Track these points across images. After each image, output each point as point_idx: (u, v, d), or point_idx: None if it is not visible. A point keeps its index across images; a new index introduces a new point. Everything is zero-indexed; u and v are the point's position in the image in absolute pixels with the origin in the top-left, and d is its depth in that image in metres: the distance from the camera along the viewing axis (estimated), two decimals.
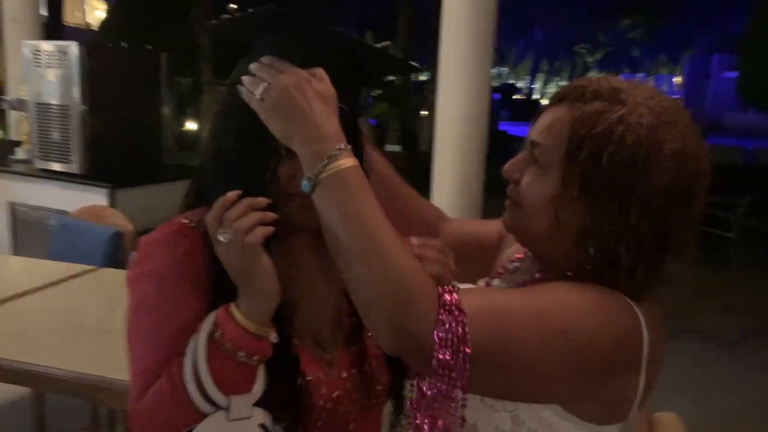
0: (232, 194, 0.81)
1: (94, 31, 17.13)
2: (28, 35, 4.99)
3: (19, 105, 4.33)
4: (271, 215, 0.81)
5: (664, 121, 0.84)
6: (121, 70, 4.10)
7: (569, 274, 0.90)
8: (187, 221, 0.93)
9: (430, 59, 12.04)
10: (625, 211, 0.83)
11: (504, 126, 16.38)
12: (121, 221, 3.03)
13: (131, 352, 0.89)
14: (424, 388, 0.96)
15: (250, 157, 0.86)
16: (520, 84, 45.55)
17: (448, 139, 3.45)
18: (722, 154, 12.74)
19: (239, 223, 0.79)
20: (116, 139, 4.04)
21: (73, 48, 3.81)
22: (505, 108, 26.79)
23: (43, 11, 5.72)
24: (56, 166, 4.03)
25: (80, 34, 17.27)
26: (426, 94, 13.24)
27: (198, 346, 0.82)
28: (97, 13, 17.48)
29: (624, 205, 0.82)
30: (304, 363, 0.92)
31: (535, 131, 0.93)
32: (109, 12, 15.82)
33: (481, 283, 1.11)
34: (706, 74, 29.59)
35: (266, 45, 0.88)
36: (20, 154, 4.47)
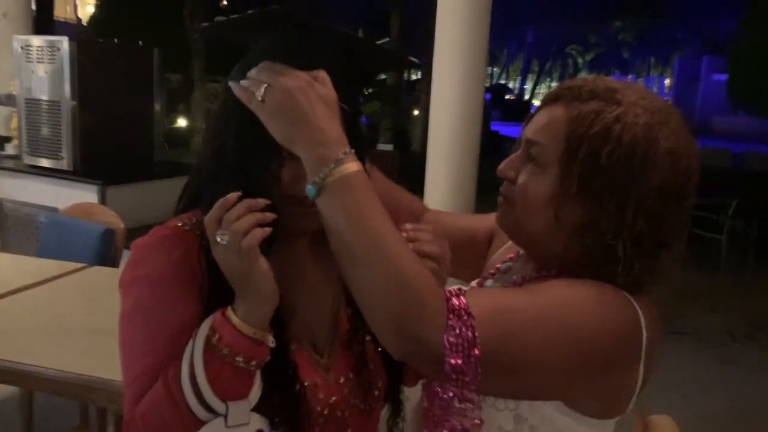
0: (232, 195, 0.79)
1: (85, 26, 17.01)
2: (19, 30, 4.94)
3: (9, 100, 4.30)
4: (269, 215, 0.79)
5: (658, 120, 0.85)
6: (112, 66, 4.07)
7: (565, 270, 0.91)
8: (181, 224, 0.91)
9: (422, 58, 12.05)
10: (623, 208, 0.84)
11: (495, 126, 16.42)
12: (111, 219, 3.00)
13: (125, 358, 0.87)
14: (440, 392, 0.96)
15: (252, 159, 0.85)
16: (511, 84, 45.70)
17: (442, 139, 3.45)
18: (711, 156, 12.86)
19: (237, 224, 0.77)
20: (107, 136, 4.01)
21: (64, 43, 3.78)
22: (497, 108, 26.87)
23: (33, 5, 5.66)
24: (46, 163, 4.00)
25: (70, 28, 17.15)
26: (419, 93, 13.25)
27: (195, 350, 0.80)
28: (88, 8, 17.35)
29: (621, 202, 0.84)
30: (301, 368, 0.91)
31: (530, 130, 0.93)
32: (99, 7, 15.72)
33: (474, 283, 1.10)
34: (696, 76, 29.80)
35: (266, 46, 0.87)
36: (9, 149, 4.44)
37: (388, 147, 11.24)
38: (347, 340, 0.98)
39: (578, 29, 35.92)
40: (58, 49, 3.80)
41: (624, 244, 0.85)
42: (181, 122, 15.47)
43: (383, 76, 14.07)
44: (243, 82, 0.82)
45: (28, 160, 4.08)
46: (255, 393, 0.84)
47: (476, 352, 0.75)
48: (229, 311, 0.81)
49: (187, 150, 13.39)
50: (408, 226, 0.90)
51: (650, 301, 0.89)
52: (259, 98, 0.80)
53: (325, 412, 0.92)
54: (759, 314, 5.34)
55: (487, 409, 0.91)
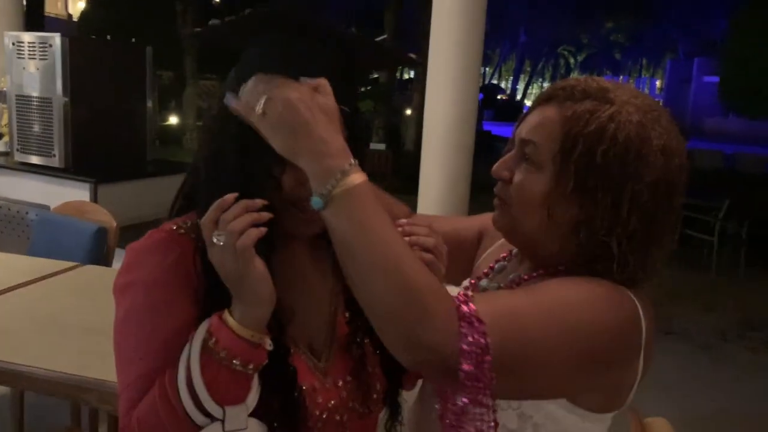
0: (229, 196, 0.78)
1: (75, 22, 16.90)
2: (10, 26, 4.90)
3: None
4: (265, 215, 0.78)
5: (649, 118, 0.87)
6: (104, 63, 4.05)
7: (561, 268, 0.92)
8: (176, 227, 0.90)
9: (416, 57, 12.03)
10: (617, 205, 0.85)
11: (488, 126, 16.45)
12: (104, 217, 2.97)
13: (120, 363, 0.86)
14: (452, 398, 0.95)
15: (253, 163, 0.83)
16: (503, 84, 45.81)
17: (436, 138, 3.44)
18: (703, 158, 12.93)
19: (233, 224, 0.76)
20: (99, 133, 3.99)
21: (56, 39, 3.75)
22: (489, 108, 26.93)
23: (23, 1, 5.61)
24: (37, 160, 3.97)
25: (61, 24, 17.05)
26: (411, 92, 13.25)
27: (191, 354, 0.79)
28: (78, 5, 17.24)
29: (616, 200, 0.85)
30: (299, 372, 0.90)
31: (524, 130, 0.94)
32: (90, 3, 15.62)
33: (466, 283, 1.11)
34: (687, 78, 29.96)
35: (263, 49, 0.85)
36: None
37: (381, 146, 11.24)
38: (345, 343, 0.97)
39: (570, 30, 36.05)
40: (50, 46, 3.77)
41: (619, 240, 0.86)
42: (173, 120, 15.41)
43: (376, 75, 14.07)
44: (240, 96, 0.81)
45: (19, 157, 4.05)
46: (253, 397, 0.83)
47: (488, 357, 0.75)
48: (226, 314, 0.80)
49: (179, 148, 13.35)
50: (403, 221, 0.90)
51: (644, 294, 0.90)
52: (259, 111, 0.78)
53: (324, 416, 0.91)
54: (751, 314, 5.37)
55: None
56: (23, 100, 3.94)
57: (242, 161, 0.84)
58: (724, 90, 14.72)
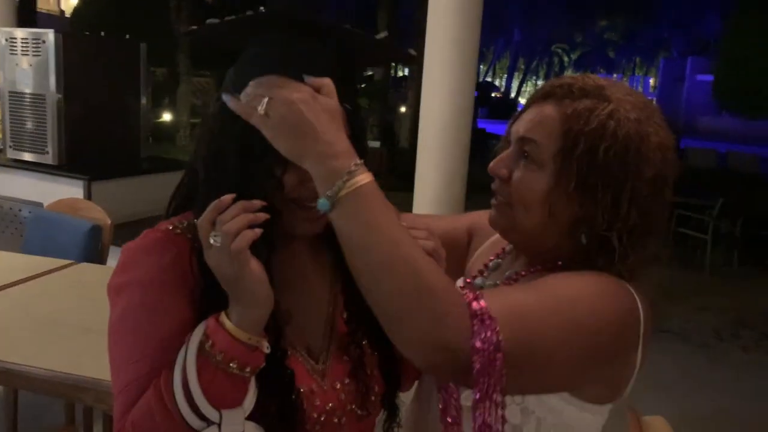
0: (227, 197, 0.77)
1: (68, 18, 16.81)
2: (2, 22, 4.87)
3: None
4: (262, 216, 0.76)
5: (645, 115, 0.89)
6: (98, 59, 4.03)
7: (558, 263, 0.93)
8: (172, 227, 0.89)
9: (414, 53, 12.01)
10: (617, 201, 0.86)
11: (482, 124, 16.45)
12: (98, 214, 2.96)
13: (114, 365, 0.84)
14: (459, 395, 0.96)
15: (255, 163, 0.82)
16: (497, 82, 45.87)
17: (432, 135, 3.44)
18: (696, 157, 12.96)
19: (229, 225, 0.75)
20: (93, 130, 3.97)
21: (49, 36, 3.73)
22: (483, 106, 26.94)
23: None
24: (30, 157, 3.94)
25: (54, 21, 16.96)
26: (406, 90, 13.25)
27: (187, 357, 0.77)
28: (71, 1, 17.15)
29: (616, 196, 0.86)
30: (296, 374, 0.88)
31: (522, 127, 0.94)
32: None
33: (460, 283, 1.10)
34: (681, 77, 30.04)
35: (264, 49, 0.83)
36: None
37: (375, 144, 11.23)
38: (344, 345, 0.96)
39: (564, 28, 36.11)
40: (43, 42, 3.75)
41: (619, 235, 0.87)
42: (167, 117, 15.35)
43: (370, 73, 14.06)
44: (241, 97, 0.80)
45: (12, 154, 4.02)
46: (250, 400, 0.81)
47: (500, 354, 0.76)
48: (223, 316, 0.79)
49: (172, 145, 13.30)
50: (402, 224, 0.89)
51: (641, 286, 0.92)
52: (261, 112, 0.77)
53: (322, 418, 0.90)
54: (745, 313, 5.40)
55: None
56: (16, 96, 3.92)
57: (243, 161, 0.82)
58: (718, 89, 14.76)
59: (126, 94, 4.21)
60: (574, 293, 0.85)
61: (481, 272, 1.08)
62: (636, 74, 44.96)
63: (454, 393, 0.97)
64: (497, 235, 1.11)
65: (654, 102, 0.96)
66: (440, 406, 1.00)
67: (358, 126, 0.88)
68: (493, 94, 35.15)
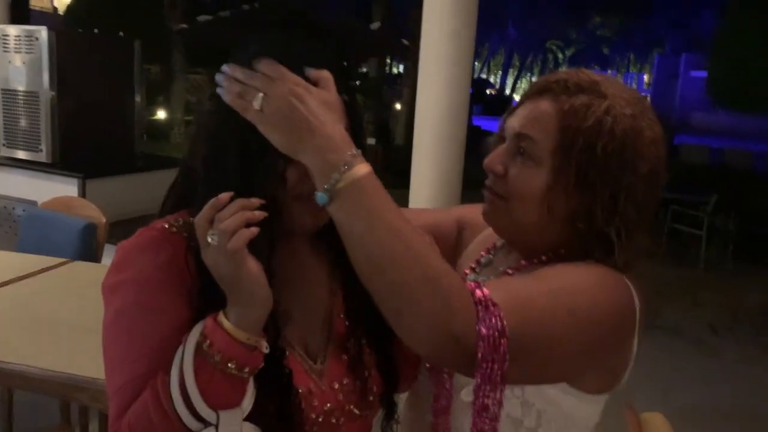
0: (224, 195, 0.76)
1: (61, 15, 16.73)
2: None
3: None
4: (259, 214, 0.76)
5: (639, 110, 0.90)
6: (92, 57, 4.00)
7: (552, 256, 0.94)
8: (167, 226, 0.87)
9: (409, 45, 12.05)
10: (615, 197, 0.87)
11: (477, 121, 16.44)
12: (92, 212, 2.94)
13: (109, 366, 0.83)
14: (447, 381, 0.97)
15: (257, 159, 0.81)
16: (492, 79, 45.87)
17: (428, 132, 3.42)
18: (691, 153, 12.99)
19: (225, 224, 0.74)
20: (87, 128, 3.95)
21: (42, 33, 3.71)
22: (478, 103, 26.92)
23: None
24: (23, 155, 3.92)
25: (47, 18, 16.87)
26: (401, 87, 13.24)
27: (185, 357, 0.76)
28: None
29: (614, 191, 0.87)
30: (294, 374, 0.87)
31: (518, 123, 0.94)
32: None
33: None
34: (675, 73, 30.09)
35: (262, 46, 0.82)
36: None
37: (371, 141, 11.22)
38: (342, 344, 0.95)
39: (559, 25, 36.14)
40: (37, 39, 3.73)
41: (617, 230, 0.88)
42: (161, 114, 15.30)
43: (365, 70, 14.03)
44: (236, 90, 0.78)
45: (5, 152, 4.00)
46: (248, 401, 0.80)
47: (505, 340, 0.76)
48: (221, 316, 0.78)
49: (167, 142, 13.25)
50: None
51: (634, 277, 0.93)
52: (257, 108, 0.77)
53: (320, 419, 0.89)
54: (740, 308, 5.42)
55: None
56: (9, 94, 3.90)
57: (244, 158, 0.81)
58: (712, 85, 14.82)
59: (120, 92, 4.19)
60: (574, 284, 0.85)
61: (473, 269, 1.08)
62: (630, 71, 45.07)
63: (447, 383, 0.99)
64: (487, 231, 1.11)
65: (642, 96, 0.97)
66: (433, 392, 1.01)
67: (357, 118, 0.88)
68: (488, 91, 35.14)
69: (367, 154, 0.81)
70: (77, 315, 2.01)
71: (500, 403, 0.81)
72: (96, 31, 4.24)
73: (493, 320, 0.76)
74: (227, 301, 0.78)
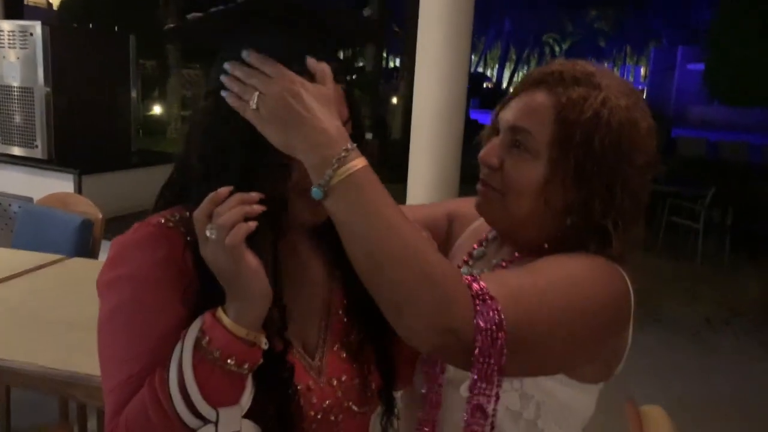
0: (223, 189, 0.75)
1: (56, 10, 16.64)
2: None
3: None
4: (258, 208, 0.75)
5: (633, 101, 0.90)
6: (87, 52, 3.98)
7: (546, 247, 0.93)
8: (164, 221, 0.86)
9: (402, 45, 12.04)
10: (612, 189, 0.87)
11: (474, 114, 16.43)
12: (89, 208, 2.93)
13: (105, 364, 0.82)
14: (439, 376, 0.98)
15: (262, 153, 0.79)
16: (488, 73, 45.82)
17: (426, 126, 3.42)
18: (687, 146, 13.01)
19: (223, 219, 0.73)
20: (82, 123, 3.93)
21: (36, 28, 3.68)
22: (475, 97, 26.87)
23: None
24: (19, 151, 3.90)
25: (41, 13, 16.79)
26: (398, 81, 13.21)
27: (183, 354, 0.75)
28: None
29: (611, 183, 0.87)
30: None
31: (513, 116, 0.93)
32: None
33: None
34: (671, 66, 30.08)
35: (254, 42, 0.81)
36: None
37: (367, 135, 11.20)
38: (340, 340, 0.94)
39: (555, 18, 36.11)
40: (31, 34, 3.70)
41: (614, 222, 0.88)
42: (157, 109, 15.25)
43: (361, 64, 14.00)
44: (235, 88, 0.78)
45: (0, 148, 3.97)
46: (246, 398, 0.79)
47: (502, 333, 0.76)
48: (220, 312, 0.77)
49: (163, 138, 13.21)
50: None
51: (627, 266, 0.93)
52: (253, 107, 0.76)
53: (319, 416, 0.89)
54: (736, 301, 5.43)
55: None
56: (4, 90, 3.87)
57: (248, 153, 0.80)
58: (709, 78, 14.82)
59: (115, 87, 4.17)
60: (570, 276, 0.85)
61: (465, 261, 1.08)
62: (627, 64, 45.07)
63: (439, 378, 0.99)
64: (477, 223, 1.11)
65: (634, 86, 0.97)
66: (423, 390, 1.01)
67: (357, 107, 0.87)
68: (485, 85, 35.11)
69: (364, 148, 0.80)
70: (74, 312, 2.00)
71: (497, 397, 0.81)
72: (91, 26, 4.20)
73: (491, 313, 0.75)
74: (226, 297, 0.77)
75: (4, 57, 3.82)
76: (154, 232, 0.85)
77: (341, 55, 0.89)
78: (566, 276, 0.85)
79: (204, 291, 0.80)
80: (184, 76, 14.43)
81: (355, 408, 0.93)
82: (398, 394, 1.06)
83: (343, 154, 0.75)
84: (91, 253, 2.81)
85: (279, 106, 0.76)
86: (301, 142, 0.75)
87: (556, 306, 0.81)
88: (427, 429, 1.01)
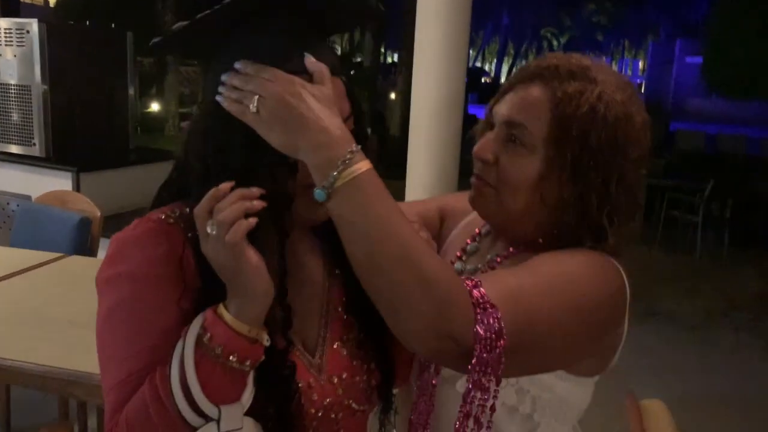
0: (225, 185, 0.74)
1: (52, 8, 16.60)
2: None
3: None
4: (258, 204, 0.74)
5: (628, 95, 0.90)
6: (84, 49, 3.97)
7: (540, 242, 0.94)
8: (164, 217, 0.85)
9: (400, 41, 12.01)
10: (607, 183, 0.88)
11: (473, 109, 16.40)
12: (87, 206, 2.93)
13: (105, 362, 0.81)
14: (433, 381, 0.98)
15: (266, 152, 0.78)
16: (486, 67, 45.76)
17: (424, 122, 3.41)
18: (685, 139, 13.00)
19: (223, 215, 0.72)
20: (80, 121, 3.93)
21: (33, 25, 3.67)
22: (473, 92, 26.81)
23: None
24: (16, 149, 3.89)
25: (37, 10, 16.75)
26: (396, 76, 13.19)
27: (185, 351, 0.75)
28: None
29: (606, 178, 0.88)
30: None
31: (508, 110, 0.93)
32: None
33: None
34: (669, 59, 30.02)
35: (242, 43, 0.80)
36: None
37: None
38: (339, 337, 0.94)
39: (552, 12, 36.07)
40: (27, 32, 3.69)
41: (609, 217, 0.88)
42: (155, 107, 15.22)
43: (359, 59, 13.97)
44: (233, 95, 0.77)
45: None
46: (248, 396, 0.79)
47: (502, 342, 0.75)
48: (221, 308, 0.76)
49: (161, 135, 13.19)
50: None
51: (621, 259, 0.94)
52: (253, 110, 0.75)
53: (319, 414, 0.89)
54: (736, 294, 5.43)
55: None
56: (1, 88, 3.87)
57: (250, 152, 0.79)
58: (707, 71, 14.81)
59: (113, 84, 4.16)
60: (568, 274, 0.85)
61: (459, 257, 1.07)
62: (625, 57, 45.04)
63: (435, 376, 0.99)
64: (469, 218, 1.11)
65: (628, 79, 0.97)
66: (419, 387, 1.01)
67: (358, 103, 0.87)
68: (483, 80, 35.06)
69: (367, 145, 0.80)
70: (73, 310, 2.00)
71: (492, 409, 0.81)
72: (88, 23, 4.18)
73: (491, 321, 0.75)
74: (227, 294, 0.77)
75: (0, 55, 3.81)
76: (155, 228, 0.84)
77: (338, 50, 0.87)
78: (564, 274, 0.85)
79: (205, 288, 0.80)
80: (181, 73, 14.39)
81: (354, 406, 0.93)
82: (395, 391, 1.06)
83: (348, 156, 0.74)
84: (90, 250, 2.81)
85: (279, 107, 0.75)
86: (304, 142, 0.75)
87: (555, 306, 0.81)
88: (423, 425, 1.01)
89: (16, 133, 3.87)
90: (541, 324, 0.80)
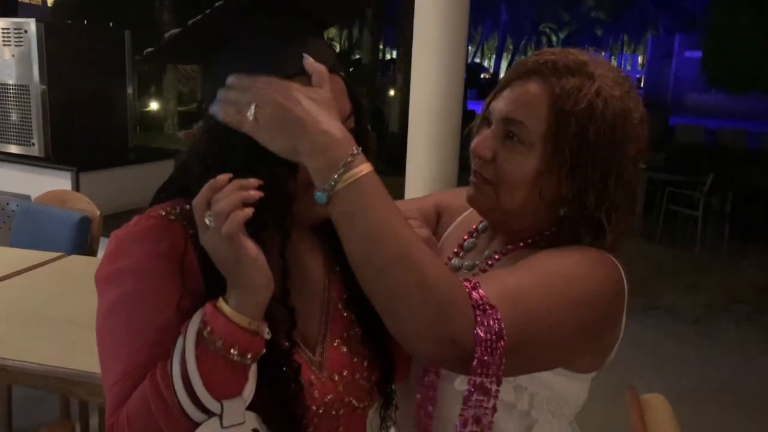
0: (222, 176, 0.74)
1: (50, 7, 16.58)
2: None
3: None
4: (255, 194, 0.74)
5: (625, 90, 0.89)
6: (82, 49, 3.96)
7: (537, 239, 0.94)
8: (164, 213, 0.85)
9: (399, 37, 11.99)
10: (605, 180, 0.88)
11: (472, 105, 16.39)
12: (86, 206, 2.93)
13: (105, 359, 0.81)
14: (433, 382, 0.97)
15: (265, 155, 0.77)
16: (485, 63, 45.71)
17: (423, 118, 3.41)
18: (685, 133, 12.99)
19: (220, 206, 0.72)
20: (79, 121, 3.92)
21: (31, 25, 3.67)
22: (472, 88, 26.78)
23: None
24: (15, 149, 3.89)
25: (35, 10, 16.73)
26: (395, 73, 13.18)
27: (186, 345, 0.75)
28: None
29: (605, 174, 0.88)
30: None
31: (506, 107, 0.92)
32: None
33: None
34: (669, 54, 29.98)
35: (235, 50, 0.79)
36: None
37: None
38: (340, 335, 0.94)
39: (552, 7, 36.02)
40: (25, 32, 3.69)
41: (608, 213, 0.88)
42: (153, 105, 15.21)
43: (358, 56, 13.95)
44: (231, 111, 0.77)
45: None
46: (249, 390, 0.79)
47: (502, 343, 0.75)
48: (221, 301, 0.76)
49: (160, 133, 13.18)
50: None
51: (618, 255, 0.94)
52: (251, 119, 0.75)
53: (320, 411, 0.88)
54: (736, 288, 5.43)
55: None
56: None
57: (253, 150, 0.78)
58: (707, 65, 14.80)
59: (112, 83, 4.16)
60: (567, 272, 0.85)
61: (456, 253, 1.07)
62: (624, 52, 44.99)
63: (433, 373, 0.98)
64: (465, 214, 1.11)
65: (625, 73, 0.97)
66: (418, 397, 1.00)
67: (358, 101, 0.86)
68: (482, 76, 35.01)
69: (368, 145, 0.80)
70: (74, 309, 2.00)
71: (493, 410, 0.81)
72: (85, 22, 4.18)
73: (491, 323, 0.75)
74: (227, 287, 0.76)
75: None
76: (155, 224, 0.84)
77: (336, 47, 0.87)
78: (563, 273, 0.85)
79: (207, 281, 0.80)
80: (180, 72, 14.36)
81: (355, 402, 0.93)
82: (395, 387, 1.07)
83: (348, 159, 0.74)
84: (90, 250, 2.81)
85: (277, 113, 0.74)
86: (304, 146, 0.74)
87: (555, 305, 0.81)
88: (422, 421, 1.01)
89: (15, 133, 3.87)
90: (541, 323, 0.80)
